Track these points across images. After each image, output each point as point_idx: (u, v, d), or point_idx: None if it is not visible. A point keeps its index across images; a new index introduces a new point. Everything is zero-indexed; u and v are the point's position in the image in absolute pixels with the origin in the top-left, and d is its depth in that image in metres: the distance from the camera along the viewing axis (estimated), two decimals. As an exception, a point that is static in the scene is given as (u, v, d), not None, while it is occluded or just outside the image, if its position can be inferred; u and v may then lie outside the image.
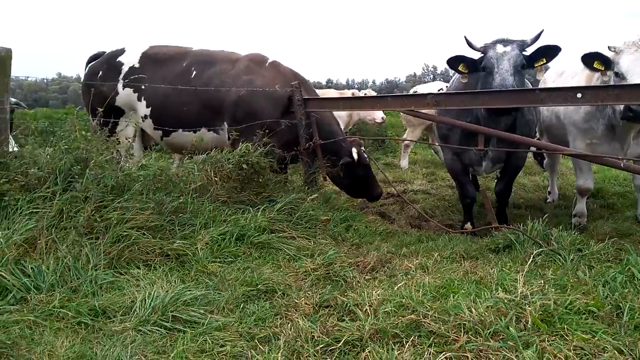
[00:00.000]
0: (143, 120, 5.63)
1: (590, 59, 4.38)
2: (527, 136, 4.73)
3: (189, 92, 5.42)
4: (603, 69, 4.36)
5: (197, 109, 5.46)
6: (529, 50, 4.42)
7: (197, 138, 5.24)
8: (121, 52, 5.82)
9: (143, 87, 5.53)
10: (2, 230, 3.25)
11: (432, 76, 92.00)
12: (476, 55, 4.58)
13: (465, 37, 4.60)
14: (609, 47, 4.34)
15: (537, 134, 6.02)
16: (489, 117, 4.48)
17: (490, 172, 5.47)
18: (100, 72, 5.74)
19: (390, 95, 5.32)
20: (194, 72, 5.53)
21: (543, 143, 5.11)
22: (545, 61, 4.45)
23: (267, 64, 5.68)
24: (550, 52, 4.41)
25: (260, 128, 5.09)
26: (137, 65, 5.65)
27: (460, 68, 4.62)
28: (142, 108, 5.59)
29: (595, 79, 4.61)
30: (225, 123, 5.44)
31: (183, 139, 5.43)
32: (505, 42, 4.40)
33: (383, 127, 11.57)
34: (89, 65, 5.94)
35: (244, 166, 4.57)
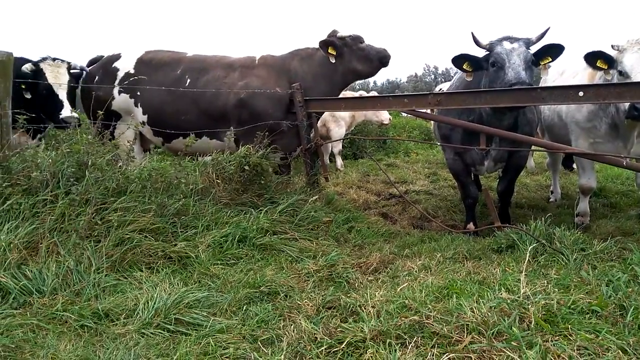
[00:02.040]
0: (142, 126, 5.64)
1: (593, 58, 4.37)
2: (529, 135, 4.72)
3: (185, 100, 5.44)
4: (606, 67, 4.35)
5: (196, 117, 5.47)
6: (533, 49, 4.42)
7: (194, 142, 5.26)
8: (117, 57, 5.85)
9: (139, 92, 5.55)
10: (4, 234, 3.25)
11: (433, 76, 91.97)
12: (481, 53, 4.58)
13: (472, 33, 4.57)
14: (612, 45, 4.33)
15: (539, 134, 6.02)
16: (494, 114, 4.48)
17: (493, 172, 5.47)
18: (97, 77, 5.77)
19: (392, 95, 5.32)
20: (188, 80, 5.54)
21: (546, 142, 5.09)
22: (550, 59, 4.44)
23: (256, 62, 5.71)
24: (554, 50, 4.40)
25: (265, 126, 5.18)
26: (132, 71, 5.67)
27: (465, 67, 4.61)
28: (139, 114, 5.62)
29: (598, 78, 4.61)
30: (231, 128, 5.46)
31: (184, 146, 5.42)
32: (511, 39, 4.40)
33: (384, 128, 11.53)
34: (87, 69, 5.97)
35: (246, 168, 4.57)
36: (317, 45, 5.68)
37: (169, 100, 5.48)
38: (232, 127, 5.44)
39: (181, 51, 5.94)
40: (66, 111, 5.17)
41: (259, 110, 5.35)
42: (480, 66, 4.53)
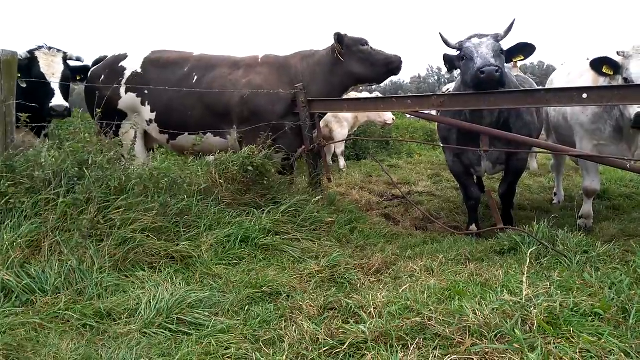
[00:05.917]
0: (148, 124, 5.67)
1: (599, 64, 4.36)
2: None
3: (192, 96, 5.49)
4: (612, 73, 4.32)
5: (202, 113, 5.52)
6: (505, 44, 4.48)
7: (201, 141, 5.32)
8: (123, 57, 5.88)
9: (146, 91, 5.58)
10: (7, 233, 3.26)
11: (436, 77, 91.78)
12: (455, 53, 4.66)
13: (440, 34, 4.66)
14: (617, 52, 4.29)
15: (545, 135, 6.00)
16: (474, 112, 4.53)
17: (493, 173, 5.45)
18: (102, 77, 5.78)
19: (395, 96, 5.31)
20: (195, 77, 5.61)
21: (550, 144, 5.08)
22: (523, 58, 4.57)
23: (259, 60, 5.76)
24: (527, 49, 4.54)
25: (267, 126, 5.23)
26: (139, 70, 5.71)
27: (447, 67, 4.76)
28: (147, 112, 5.64)
29: (603, 80, 4.57)
30: (234, 126, 5.50)
31: (189, 143, 5.45)
32: (480, 36, 4.47)
33: (388, 129, 11.54)
34: (91, 69, 5.98)
35: (249, 168, 4.57)
36: (319, 47, 5.68)
37: (177, 97, 5.52)
38: (234, 125, 5.48)
39: (187, 51, 5.98)
40: (56, 100, 5.06)
41: (259, 108, 5.39)
42: (453, 65, 4.61)
